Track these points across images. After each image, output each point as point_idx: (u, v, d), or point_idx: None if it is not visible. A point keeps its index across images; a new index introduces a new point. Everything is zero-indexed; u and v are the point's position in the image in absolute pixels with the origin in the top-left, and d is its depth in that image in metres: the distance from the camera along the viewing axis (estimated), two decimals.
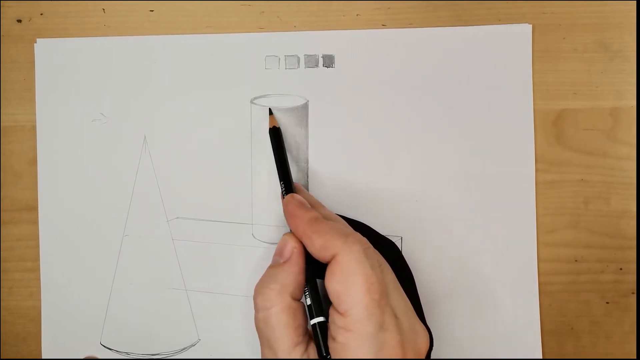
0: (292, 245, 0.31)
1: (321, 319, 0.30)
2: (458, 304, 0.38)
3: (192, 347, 0.39)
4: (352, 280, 0.28)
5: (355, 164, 0.38)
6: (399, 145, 0.38)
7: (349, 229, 0.32)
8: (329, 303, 0.30)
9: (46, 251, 0.39)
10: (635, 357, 0.38)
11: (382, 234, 0.36)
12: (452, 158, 0.38)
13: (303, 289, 0.31)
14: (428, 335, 0.30)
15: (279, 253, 0.32)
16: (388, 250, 0.33)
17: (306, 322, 0.31)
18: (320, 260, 0.30)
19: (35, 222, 0.39)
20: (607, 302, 0.38)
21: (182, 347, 0.39)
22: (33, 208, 0.39)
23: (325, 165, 0.38)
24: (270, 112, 0.37)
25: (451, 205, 0.38)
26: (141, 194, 0.39)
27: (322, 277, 0.30)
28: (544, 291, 0.38)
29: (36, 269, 0.39)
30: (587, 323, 0.38)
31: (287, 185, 0.34)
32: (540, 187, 0.38)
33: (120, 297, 0.39)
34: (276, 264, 0.31)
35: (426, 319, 0.34)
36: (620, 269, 0.38)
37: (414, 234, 0.38)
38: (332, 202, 0.38)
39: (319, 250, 0.30)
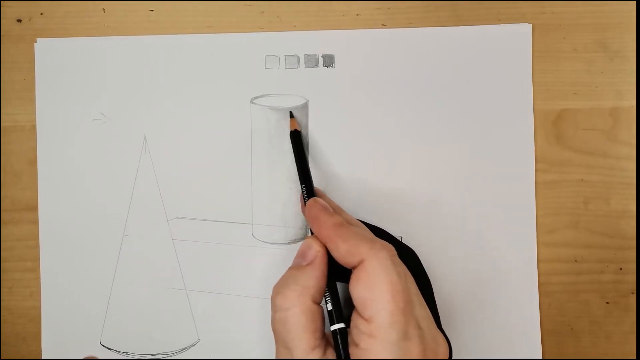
0: (316, 249, 0.31)
1: (342, 325, 0.30)
2: (458, 303, 0.38)
3: (192, 347, 0.39)
4: (379, 286, 0.28)
5: (355, 163, 0.38)
6: (399, 145, 0.38)
7: (372, 235, 0.32)
8: (348, 308, 0.30)
9: (46, 251, 0.39)
10: (635, 357, 0.38)
11: None
12: (452, 158, 0.38)
13: (323, 293, 0.31)
14: (448, 347, 0.30)
15: (301, 255, 0.31)
16: (408, 258, 0.33)
17: (324, 326, 0.30)
18: (345, 266, 0.30)
19: (35, 222, 0.39)
20: (607, 302, 0.38)
21: (182, 347, 0.39)
22: (33, 208, 0.39)
23: (325, 165, 0.38)
24: (292, 115, 0.37)
25: (451, 205, 0.38)
26: (141, 194, 0.39)
27: (342, 281, 0.30)
28: (544, 291, 0.38)
29: (36, 269, 0.39)
30: (587, 323, 0.38)
31: (309, 188, 0.34)
32: (540, 187, 0.38)
33: (120, 297, 0.39)
34: (298, 266, 0.31)
35: None
36: (620, 269, 0.38)
37: (414, 234, 0.38)
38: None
39: (344, 255, 0.30)
